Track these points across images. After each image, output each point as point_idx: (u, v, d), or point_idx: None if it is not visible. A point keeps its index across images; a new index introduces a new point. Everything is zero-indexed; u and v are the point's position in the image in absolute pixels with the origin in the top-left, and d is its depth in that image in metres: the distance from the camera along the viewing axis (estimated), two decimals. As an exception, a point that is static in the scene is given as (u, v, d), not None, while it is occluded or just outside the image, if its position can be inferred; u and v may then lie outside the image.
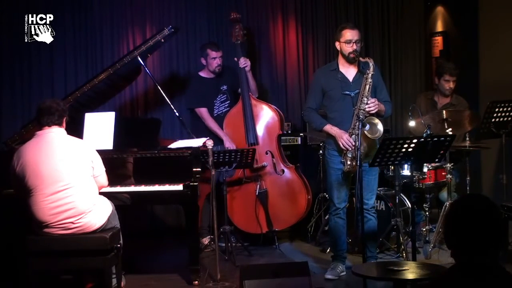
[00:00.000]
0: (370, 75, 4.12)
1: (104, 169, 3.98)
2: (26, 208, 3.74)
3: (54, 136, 3.81)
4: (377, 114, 4.19)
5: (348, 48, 4.22)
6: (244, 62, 5.34)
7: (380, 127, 4.08)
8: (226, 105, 5.44)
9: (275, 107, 5.47)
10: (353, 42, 4.21)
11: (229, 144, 5.25)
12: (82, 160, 3.80)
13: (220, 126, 5.33)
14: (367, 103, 4.09)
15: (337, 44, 4.31)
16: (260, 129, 5.34)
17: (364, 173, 4.04)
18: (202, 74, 5.47)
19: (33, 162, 3.70)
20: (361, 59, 4.18)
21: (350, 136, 4.15)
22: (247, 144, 5.26)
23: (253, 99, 5.35)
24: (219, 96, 5.43)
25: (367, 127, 4.07)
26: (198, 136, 4.85)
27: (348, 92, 4.22)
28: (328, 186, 4.44)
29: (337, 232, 4.38)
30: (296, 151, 5.69)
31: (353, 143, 4.12)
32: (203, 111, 5.35)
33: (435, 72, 5.49)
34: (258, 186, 5.22)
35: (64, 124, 3.90)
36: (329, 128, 4.26)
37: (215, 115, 5.40)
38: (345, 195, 4.37)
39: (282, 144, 5.49)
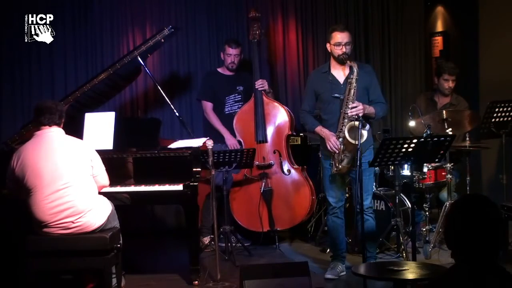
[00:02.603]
0: (354, 79, 4.11)
1: (104, 168, 3.98)
2: (25, 208, 3.73)
3: (54, 136, 3.81)
4: (367, 117, 4.18)
5: (337, 51, 4.21)
6: (260, 83, 5.26)
7: (364, 132, 4.02)
8: (239, 105, 5.40)
9: (287, 107, 5.45)
10: (343, 45, 4.19)
11: (231, 141, 5.23)
12: (81, 159, 3.80)
13: (229, 125, 5.30)
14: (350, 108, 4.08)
15: (328, 46, 4.31)
16: (270, 128, 5.31)
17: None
18: (220, 69, 5.49)
19: (33, 161, 3.70)
20: (348, 62, 4.17)
21: (338, 139, 4.15)
22: (256, 141, 5.24)
23: (266, 97, 5.32)
24: (233, 95, 5.40)
25: (367, 127, 4.07)
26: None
27: (337, 95, 4.21)
28: (324, 186, 4.46)
29: (335, 231, 4.38)
30: (296, 151, 5.68)
31: (339, 146, 4.13)
32: (207, 105, 5.36)
33: (435, 72, 5.49)
34: (263, 184, 5.22)
35: (62, 126, 3.90)
36: (319, 130, 4.28)
37: (226, 112, 5.37)
38: (342, 194, 4.38)
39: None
